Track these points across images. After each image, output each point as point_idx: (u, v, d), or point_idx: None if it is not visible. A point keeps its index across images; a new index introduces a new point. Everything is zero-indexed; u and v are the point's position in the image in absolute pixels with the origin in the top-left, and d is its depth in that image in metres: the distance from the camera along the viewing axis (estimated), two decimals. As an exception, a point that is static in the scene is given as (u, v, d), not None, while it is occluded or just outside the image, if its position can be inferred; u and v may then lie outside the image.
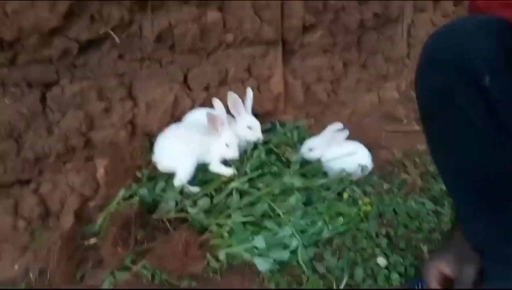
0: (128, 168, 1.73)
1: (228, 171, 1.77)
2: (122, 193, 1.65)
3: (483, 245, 1.13)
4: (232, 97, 1.87)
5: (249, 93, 1.95)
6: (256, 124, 1.91)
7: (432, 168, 2.07)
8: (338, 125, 2.04)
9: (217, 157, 1.82)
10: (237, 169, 1.78)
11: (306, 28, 2.28)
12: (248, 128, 1.90)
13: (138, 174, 1.75)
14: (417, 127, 2.47)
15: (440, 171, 1.15)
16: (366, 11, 2.48)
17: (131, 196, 1.65)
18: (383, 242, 1.62)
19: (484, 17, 0.99)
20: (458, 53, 0.93)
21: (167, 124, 1.86)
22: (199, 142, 1.79)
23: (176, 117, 1.92)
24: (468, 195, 1.08)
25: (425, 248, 1.60)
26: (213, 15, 1.93)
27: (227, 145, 1.80)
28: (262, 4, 2.06)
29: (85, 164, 1.76)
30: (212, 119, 1.76)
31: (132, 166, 1.74)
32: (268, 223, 1.62)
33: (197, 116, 1.90)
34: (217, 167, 1.80)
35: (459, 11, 3.17)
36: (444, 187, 1.89)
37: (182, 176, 1.71)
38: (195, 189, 1.72)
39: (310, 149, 2.00)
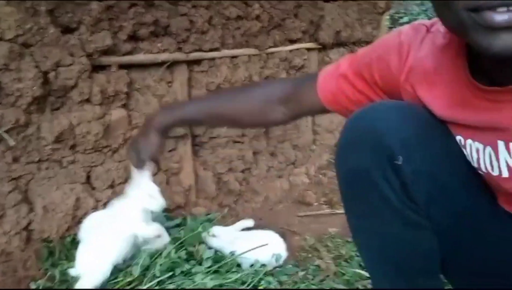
0: (20, 279, 1.50)
1: (154, 230, 1.59)
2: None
3: None
4: None
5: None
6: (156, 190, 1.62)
7: (344, 251, 2.01)
8: (249, 222, 1.96)
9: (138, 215, 1.58)
10: (146, 268, 1.60)
11: (214, 121, 2.23)
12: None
13: (33, 286, 1.52)
14: (327, 210, 2.43)
15: (359, 249, 1.11)
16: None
17: (23, 313, 1.42)
18: (301, 335, 1.48)
19: (398, 101, 1.01)
20: (373, 133, 0.93)
21: (68, 228, 1.67)
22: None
23: (78, 219, 1.72)
24: (385, 274, 1.04)
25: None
26: (117, 113, 1.82)
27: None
28: (166, 100, 1.99)
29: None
30: None
31: (25, 277, 1.51)
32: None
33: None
34: (140, 228, 1.58)
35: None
36: (357, 270, 1.84)
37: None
38: None
39: (213, 235, 1.86)
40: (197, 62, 2.12)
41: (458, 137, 0.94)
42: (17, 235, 1.59)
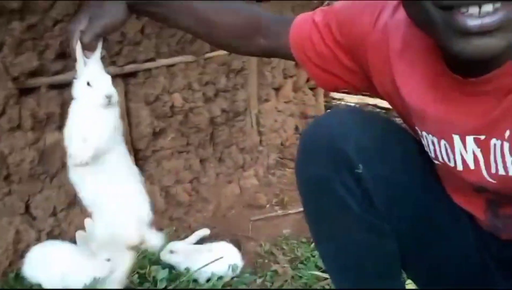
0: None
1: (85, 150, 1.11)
2: None
3: None
4: None
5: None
6: (101, 77, 1.17)
7: (300, 252, 2.01)
8: (205, 231, 1.92)
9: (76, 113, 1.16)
10: None
11: (157, 133, 2.16)
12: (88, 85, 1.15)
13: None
14: (280, 212, 2.42)
15: (321, 255, 1.11)
16: (214, 109, 2.45)
17: None
18: None
19: (357, 108, 1.02)
20: (331, 142, 0.92)
21: (10, 264, 1.56)
22: None
23: (21, 253, 1.62)
24: (347, 278, 1.04)
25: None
26: (52, 136, 1.72)
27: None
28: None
29: None
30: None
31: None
32: None
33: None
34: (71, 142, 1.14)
35: (299, 96, 3.31)
36: (314, 272, 1.84)
37: None
38: None
39: (171, 251, 1.81)
40: (133, 74, 2.04)
41: (416, 127, 0.94)
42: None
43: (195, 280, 1.77)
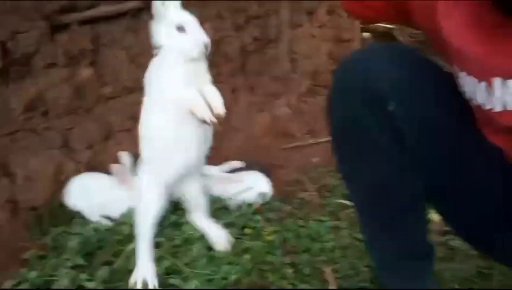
0: (12, 252, 1.54)
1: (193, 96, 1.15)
2: (7, 284, 1.46)
3: (384, 260, 1.16)
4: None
5: None
6: (191, 20, 1.09)
7: (327, 181, 2.05)
8: (238, 163, 1.98)
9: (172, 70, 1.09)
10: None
11: (187, 65, 2.18)
12: (179, 30, 1.07)
13: (25, 256, 1.56)
14: (311, 140, 2.44)
15: (350, 193, 1.15)
16: (246, 37, 2.43)
17: (19, 283, 1.46)
18: (289, 272, 1.55)
19: (389, 44, 1.03)
20: (364, 80, 0.93)
21: (53, 193, 1.69)
22: None
23: (62, 184, 1.73)
24: (374, 213, 1.10)
25: (328, 269, 1.55)
26: (85, 72, 1.78)
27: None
28: (136, 51, 1.93)
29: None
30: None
31: (16, 249, 1.55)
32: (174, 280, 1.49)
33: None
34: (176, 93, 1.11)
35: (334, 19, 3.20)
36: (340, 200, 1.89)
37: None
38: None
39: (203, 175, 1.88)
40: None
41: (454, 65, 0.93)
42: (2, 208, 1.61)
43: (225, 208, 1.87)
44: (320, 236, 1.70)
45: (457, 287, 1.41)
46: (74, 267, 1.51)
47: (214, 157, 2.27)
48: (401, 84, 0.92)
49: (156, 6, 1.06)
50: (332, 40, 3.20)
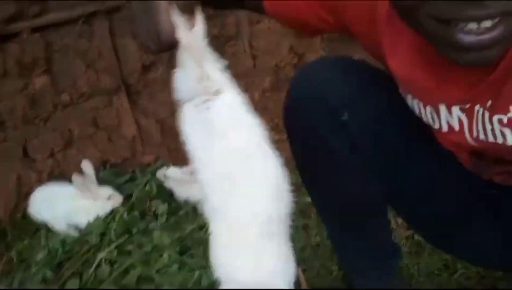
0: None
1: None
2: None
3: (352, 264, 1.20)
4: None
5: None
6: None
7: (296, 179, 2.03)
8: None
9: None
10: (103, 234, 1.60)
11: (147, 67, 2.14)
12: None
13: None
14: (276, 137, 2.42)
15: (313, 202, 1.17)
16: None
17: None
18: (262, 272, 1.54)
19: (345, 56, 1.03)
20: (318, 90, 0.94)
21: (16, 205, 1.63)
22: None
23: (24, 195, 1.68)
24: (338, 220, 1.12)
25: (299, 270, 1.55)
26: (39, 80, 1.72)
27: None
28: (93, 56, 1.88)
29: None
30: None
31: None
32: (145, 287, 1.48)
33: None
34: None
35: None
36: (309, 199, 1.89)
37: None
38: None
39: (165, 176, 1.85)
40: (116, 9, 1.98)
41: (400, 90, 0.93)
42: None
43: (194, 211, 1.84)
44: (291, 235, 1.70)
45: (422, 279, 1.44)
46: (43, 280, 1.47)
47: (180, 159, 2.26)
48: (353, 94, 0.94)
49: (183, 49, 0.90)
50: (293, 34, 3.20)
